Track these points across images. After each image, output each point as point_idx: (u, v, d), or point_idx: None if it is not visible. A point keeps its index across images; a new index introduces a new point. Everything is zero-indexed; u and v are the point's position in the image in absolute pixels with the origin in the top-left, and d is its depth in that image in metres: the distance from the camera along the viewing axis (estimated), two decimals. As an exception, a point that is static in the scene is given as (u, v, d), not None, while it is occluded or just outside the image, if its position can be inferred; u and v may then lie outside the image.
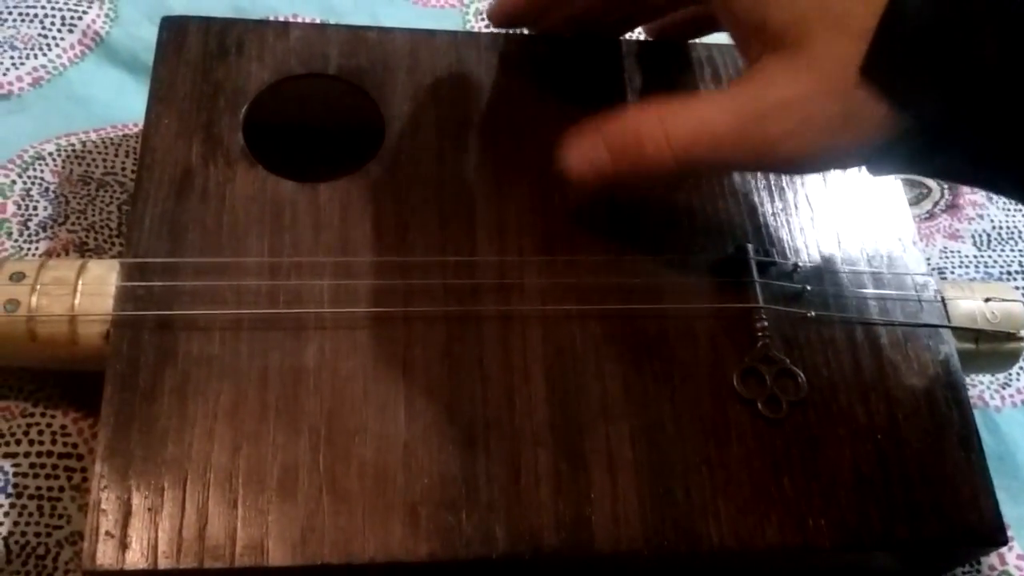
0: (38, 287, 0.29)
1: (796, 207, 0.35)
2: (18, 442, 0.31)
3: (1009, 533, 0.31)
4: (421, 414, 0.29)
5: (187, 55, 0.35)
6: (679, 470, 0.29)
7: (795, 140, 0.26)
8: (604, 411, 0.30)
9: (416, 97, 0.36)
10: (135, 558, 0.26)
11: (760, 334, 0.32)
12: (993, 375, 0.39)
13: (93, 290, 0.30)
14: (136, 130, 0.39)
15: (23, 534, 0.30)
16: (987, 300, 0.34)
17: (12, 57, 0.40)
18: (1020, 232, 0.43)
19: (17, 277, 0.30)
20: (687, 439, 0.30)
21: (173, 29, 0.36)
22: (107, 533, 0.26)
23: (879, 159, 0.27)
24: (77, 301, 0.29)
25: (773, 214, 0.35)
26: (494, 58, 0.37)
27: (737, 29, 0.28)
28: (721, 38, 0.38)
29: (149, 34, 0.36)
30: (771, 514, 0.29)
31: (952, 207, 0.43)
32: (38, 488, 0.30)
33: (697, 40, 0.39)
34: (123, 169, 0.38)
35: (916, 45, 0.24)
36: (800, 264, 0.34)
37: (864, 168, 0.29)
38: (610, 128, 0.30)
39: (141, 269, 0.30)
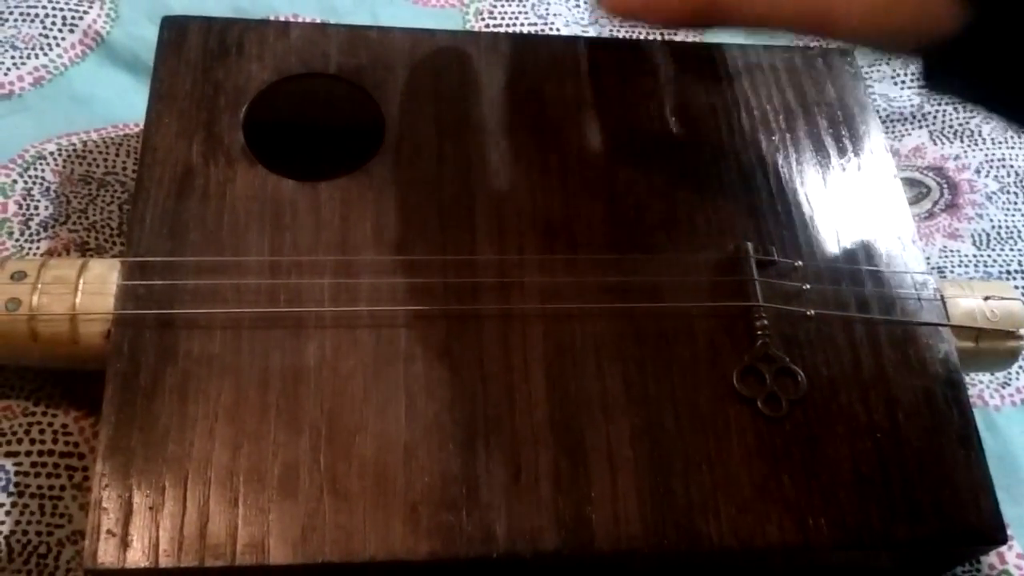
0: (39, 286, 0.29)
1: (796, 206, 0.35)
2: (19, 441, 0.31)
3: (1009, 532, 0.31)
4: (421, 413, 0.29)
5: (188, 55, 0.35)
6: (679, 469, 0.29)
7: (855, 7, 0.26)
8: (604, 410, 0.30)
9: (416, 96, 0.36)
10: (136, 556, 0.26)
11: (760, 332, 0.32)
12: (993, 374, 0.39)
13: (94, 289, 0.30)
14: (137, 130, 0.39)
15: (24, 533, 0.30)
16: (987, 298, 0.34)
17: (13, 57, 0.40)
18: (1019, 231, 0.43)
19: (19, 276, 0.30)
20: (687, 437, 0.30)
21: (174, 29, 0.36)
22: (108, 532, 0.26)
23: (938, 61, 0.26)
24: (78, 300, 0.29)
25: (773, 213, 0.35)
26: (494, 57, 0.37)
27: None
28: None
29: (150, 34, 0.36)
30: (771, 513, 0.29)
31: (952, 206, 0.43)
32: (39, 487, 0.30)
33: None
34: (124, 169, 0.38)
35: None
36: (800, 263, 0.34)
37: (921, 78, 0.28)
38: None
39: (142, 268, 0.30)
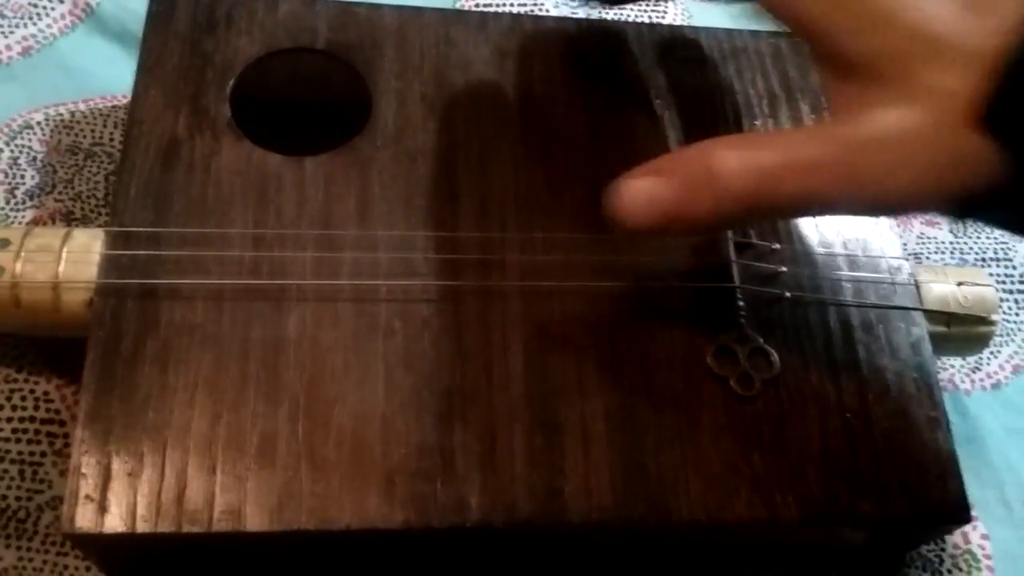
0: (23, 254, 0.30)
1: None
2: (1, 408, 0.31)
3: (974, 513, 0.31)
4: (399, 386, 0.30)
5: (176, 27, 0.35)
6: (651, 444, 0.30)
7: (896, 177, 0.24)
8: (579, 386, 0.30)
9: (403, 73, 0.36)
10: (114, 522, 0.27)
11: (735, 313, 0.32)
12: (964, 359, 0.39)
13: (77, 258, 0.30)
14: (125, 101, 0.39)
15: (4, 498, 0.30)
16: (960, 284, 0.35)
17: (2, 25, 0.40)
18: (997, 220, 0.43)
19: (2, 244, 0.30)
20: (660, 414, 0.30)
21: (163, 1, 0.36)
22: (87, 497, 0.27)
23: (979, 208, 0.24)
24: (61, 268, 0.30)
25: None
26: (482, 36, 0.37)
27: (828, 57, 0.25)
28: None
29: (139, 6, 0.36)
30: (740, 488, 0.29)
31: (931, 194, 0.44)
32: (20, 453, 0.31)
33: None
34: (111, 140, 0.38)
35: None
36: (777, 246, 0.34)
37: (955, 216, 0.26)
38: (675, 160, 0.27)
39: (125, 238, 0.31)
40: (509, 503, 0.28)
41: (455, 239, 0.32)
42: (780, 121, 0.37)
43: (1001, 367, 0.40)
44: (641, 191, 0.27)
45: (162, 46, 0.35)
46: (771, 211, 0.28)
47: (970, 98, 0.22)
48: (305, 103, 0.38)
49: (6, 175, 0.36)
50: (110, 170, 0.37)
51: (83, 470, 0.27)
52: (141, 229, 0.31)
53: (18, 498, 0.30)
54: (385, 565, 0.31)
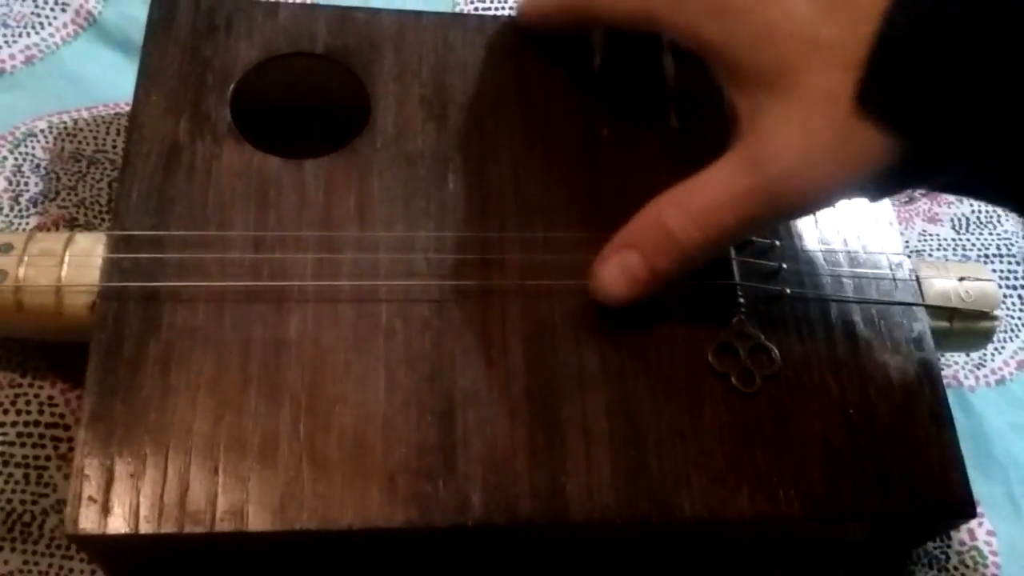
0: (25, 258, 0.30)
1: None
2: (5, 412, 0.31)
3: (980, 509, 0.31)
4: (400, 385, 0.30)
5: (176, 33, 0.36)
6: (653, 442, 0.30)
7: (808, 179, 0.26)
8: (580, 384, 0.30)
9: (402, 77, 0.36)
10: (117, 523, 0.27)
11: (736, 310, 0.32)
12: (967, 354, 0.39)
13: (80, 262, 0.30)
14: (127, 108, 0.39)
15: (9, 501, 0.30)
16: (961, 279, 0.34)
17: (5, 35, 0.40)
18: (998, 216, 0.43)
19: (5, 248, 0.30)
20: (661, 412, 0.30)
21: (163, 6, 0.36)
22: (90, 499, 0.27)
23: (880, 186, 0.26)
24: (64, 272, 0.30)
25: None
26: (480, 40, 0.38)
27: (728, 74, 0.28)
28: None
29: (141, 14, 0.36)
30: (742, 485, 0.29)
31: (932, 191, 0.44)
32: (24, 457, 0.31)
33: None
34: (114, 147, 0.38)
35: (909, 71, 0.24)
36: (777, 243, 0.34)
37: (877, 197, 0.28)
38: (633, 230, 0.30)
39: (127, 241, 0.31)
40: (511, 502, 0.28)
41: (455, 239, 0.33)
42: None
43: (1005, 363, 0.40)
44: (616, 269, 0.30)
45: (162, 52, 0.35)
46: (728, 242, 0.31)
47: (850, 90, 0.24)
48: (305, 107, 0.38)
49: (10, 182, 0.37)
50: (113, 176, 0.38)
51: (86, 472, 0.27)
52: (143, 233, 0.31)
53: (23, 502, 0.30)
54: (387, 564, 0.31)
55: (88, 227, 0.36)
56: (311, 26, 0.37)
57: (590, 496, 0.29)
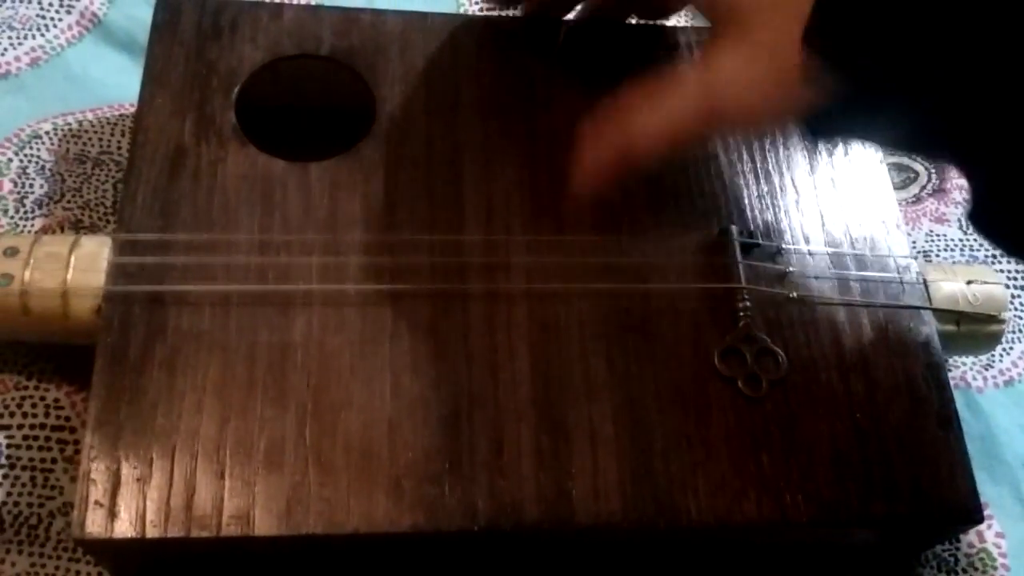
0: (31, 262, 0.30)
1: (781, 190, 0.36)
2: (12, 415, 0.31)
3: (988, 512, 0.31)
4: (406, 389, 0.30)
5: (181, 35, 0.36)
6: (659, 446, 0.29)
7: (744, 109, 0.29)
8: (587, 388, 0.30)
9: (407, 78, 0.36)
10: (123, 527, 0.27)
11: (742, 314, 0.32)
12: (976, 357, 0.39)
13: (85, 265, 0.30)
14: (132, 110, 0.39)
15: (16, 504, 0.30)
16: (969, 282, 0.34)
17: (10, 37, 0.40)
18: (1007, 217, 0.43)
19: (11, 252, 0.30)
20: (668, 416, 0.30)
21: (168, 9, 0.36)
22: (96, 503, 0.27)
23: (823, 122, 0.29)
24: (69, 276, 0.30)
25: (759, 196, 0.35)
26: (486, 41, 0.37)
27: (706, 11, 0.32)
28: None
29: (146, 15, 0.36)
30: (749, 489, 0.29)
31: (939, 191, 0.44)
32: (31, 460, 0.31)
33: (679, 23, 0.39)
34: (119, 148, 0.38)
35: (849, 13, 0.26)
36: (784, 246, 0.34)
37: (809, 132, 0.31)
38: (605, 135, 0.31)
39: (133, 245, 0.31)
40: (517, 506, 0.28)
41: (460, 242, 0.32)
42: (786, 120, 0.37)
43: (1014, 364, 0.39)
44: (591, 166, 0.31)
45: (167, 54, 0.35)
46: (682, 144, 0.32)
47: (797, 33, 0.27)
48: (310, 109, 0.38)
49: (15, 184, 0.37)
50: (118, 178, 0.38)
51: (92, 476, 0.27)
52: (148, 236, 0.31)
53: (30, 504, 0.30)
54: (393, 568, 0.31)
55: (93, 229, 0.36)
56: (316, 28, 0.37)
57: (596, 500, 0.28)
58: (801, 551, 0.33)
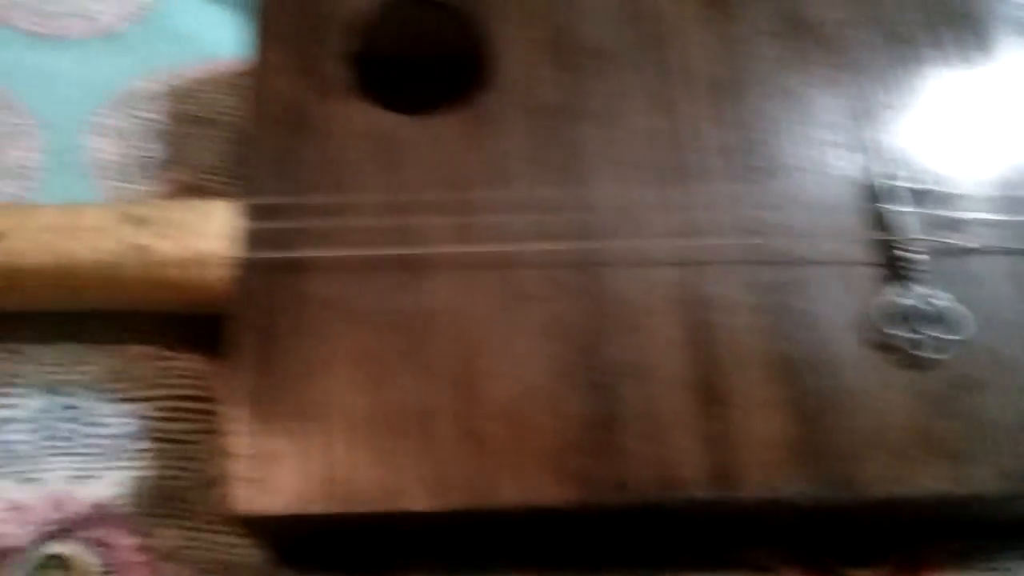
0: (163, 231, 0.29)
1: (949, 131, 0.32)
2: (155, 387, 0.31)
3: None
4: (553, 357, 0.28)
5: None
6: (827, 415, 0.28)
7: None
8: (744, 354, 0.28)
9: (526, 23, 0.34)
10: (277, 503, 0.26)
11: (915, 269, 0.29)
12: None
13: (218, 232, 0.29)
14: (237, 66, 0.38)
15: (161, 477, 0.30)
16: None
17: (110, -7, 0.39)
18: None
19: (140, 221, 0.29)
20: (835, 382, 0.28)
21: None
22: (247, 478, 0.26)
23: None
24: (201, 244, 0.29)
25: (925, 140, 0.32)
26: None
27: None
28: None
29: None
30: (927, 459, 0.27)
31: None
32: (175, 432, 0.31)
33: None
34: (228, 106, 0.37)
35: None
36: (957, 191, 0.31)
37: None
38: None
39: (263, 210, 0.30)
40: (678, 479, 0.27)
41: (599, 197, 0.31)
42: (941, 49, 0.34)
43: None
44: None
45: (280, 11, 0.34)
46: None
47: None
48: (420, 58, 0.36)
49: (128, 146, 0.36)
50: (228, 137, 0.36)
51: (245, 450, 0.27)
52: (278, 201, 0.30)
53: (175, 477, 0.30)
54: (546, 540, 0.30)
55: (210, 191, 0.35)
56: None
57: (762, 471, 0.27)
58: (978, 525, 0.31)
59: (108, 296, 0.29)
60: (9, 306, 0.30)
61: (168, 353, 0.32)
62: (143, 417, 0.30)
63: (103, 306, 0.30)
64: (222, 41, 0.38)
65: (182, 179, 0.35)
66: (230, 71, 0.38)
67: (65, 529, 0.28)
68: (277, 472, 0.26)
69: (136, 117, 0.36)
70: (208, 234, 0.29)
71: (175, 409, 0.31)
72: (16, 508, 0.28)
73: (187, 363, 0.31)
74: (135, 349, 0.31)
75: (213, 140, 0.36)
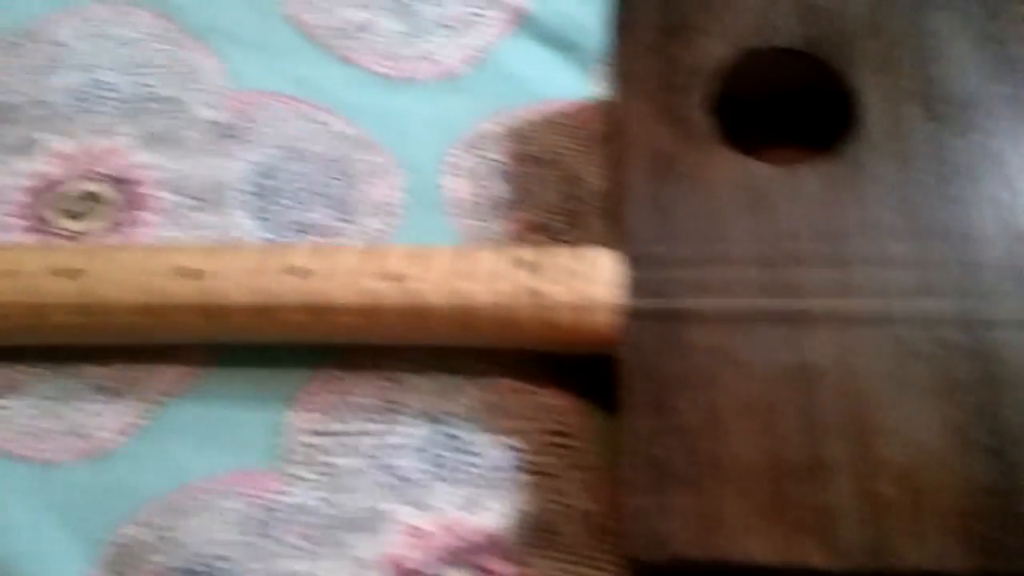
0: (554, 276, 0.30)
1: None
2: (527, 419, 0.32)
3: None
4: (951, 418, 0.28)
5: (643, 32, 0.35)
6: None
7: None
8: None
9: (884, 68, 0.33)
10: (671, 550, 0.27)
11: None
12: None
13: (605, 279, 0.30)
14: (569, 108, 0.39)
15: (537, 509, 0.31)
16: None
17: (447, 35, 0.41)
18: None
19: (533, 266, 0.31)
20: None
21: (628, 6, 0.35)
22: (643, 523, 0.27)
23: None
24: (591, 290, 0.30)
25: None
26: (958, 22, 0.34)
27: None
28: None
29: (571, 10, 0.36)
30: None
31: None
32: (545, 465, 0.32)
33: None
34: (564, 148, 0.38)
35: None
36: None
37: None
38: None
39: (641, 258, 0.31)
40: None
41: (974, 251, 0.30)
42: None
43: None
44: None
45: (634, 54, 0.34)
46: None
47: None
48: (777, 104, 0.36)
49: (474, 186, 0.37)
50: (563, 178, 0.38)
51: (640, 496, 0.27)
52: (656, 250, 0.31)
53: (548, 510, 0.31)
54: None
55: (557, 232, 0.36)
56: (772, 15, 0.35)
57: None
58: None
59: (500, 335, 0.31)
60: (408, 341, 0.32)
61: (537, 389, 0.33)
62: (516, 449, 0.32)
63: (491, 344, 0.32)
64: (547, 81, 0.40)
65: (528, 218, 0.37)
66: (563, 112, 0.39)
67: (458, 556, 0.30)
68: (672, 519, 0.27)
69: (484, 158, 0.38)
70: (597, 281, 0.30)
71: (546, 444, 0.32)
72: (417, 534, 0.30)
73: (554, 400, 0.33)
74: (507, 383, 0.33)
75: (553, 180, 0.37)
